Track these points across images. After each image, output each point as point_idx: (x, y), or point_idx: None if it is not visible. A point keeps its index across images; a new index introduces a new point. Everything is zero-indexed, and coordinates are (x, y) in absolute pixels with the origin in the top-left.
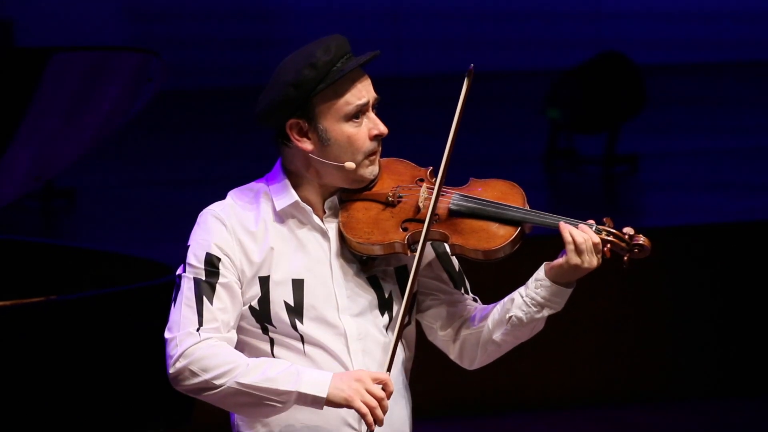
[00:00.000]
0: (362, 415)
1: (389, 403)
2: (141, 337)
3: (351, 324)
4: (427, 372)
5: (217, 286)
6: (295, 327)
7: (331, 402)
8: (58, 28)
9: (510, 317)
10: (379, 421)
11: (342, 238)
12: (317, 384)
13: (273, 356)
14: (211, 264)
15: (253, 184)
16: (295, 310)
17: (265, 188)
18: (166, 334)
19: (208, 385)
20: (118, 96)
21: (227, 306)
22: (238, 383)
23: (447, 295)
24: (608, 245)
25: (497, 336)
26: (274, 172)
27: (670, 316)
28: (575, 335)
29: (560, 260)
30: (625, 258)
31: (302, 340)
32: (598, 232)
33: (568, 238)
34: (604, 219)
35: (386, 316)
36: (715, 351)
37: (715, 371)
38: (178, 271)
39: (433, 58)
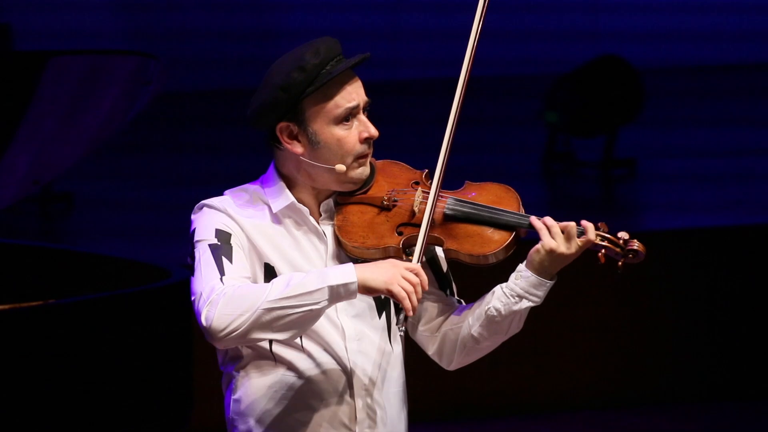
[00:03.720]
0: (400, 300)
1: (384, 404)
2: (139, 340)
3: (349, 324)
4: (425, 375)
5: (234, 250)
6: None
7: (367, 286)
8: (56, 31)
9: (488, 309)
10: (414, 307)
11: (338, 241)
12: (344, 273)
13: (271, 352)
14: (223, 237)
15: (247, 186)
16: None
17: (260, 190)
18: (192, 298)
19: (241, 319)
20: (117, 99)
21: (246, 266)
22: (268, 302)
23: (433, 295)
24: (603, 250)
25: (475, 330)
26: (268, 175)
27: (667, 320)
28: (572, 339)
29: (537, 245)
30: (620, 263)
31: (301, 336)
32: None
33: (539, 224)
34: (599, 224)
35: (383, 317)
36: (712, 355)
37: (712, 375)
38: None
39: (431, 61)
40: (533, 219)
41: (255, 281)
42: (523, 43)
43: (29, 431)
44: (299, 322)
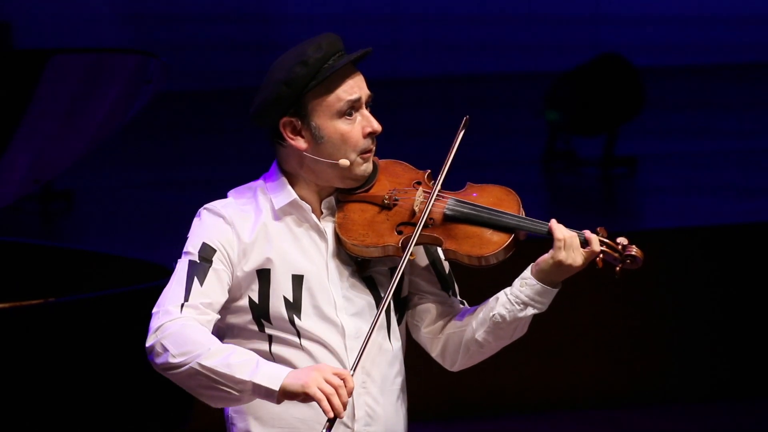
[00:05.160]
0: (318, 401)
1: (383, 402)
2: (139, 338)
3: (349, 322)
4: (425, 374)
5: (210, 271)
6: (292, 322)
7: (287, 391)
8: (57, 29)
9: (493, 315)
10: (336, 410)
11: (337, 239)
12: (273, 377)
13: (270, 354)
14: (206, 253)
15: (251, 184)
16: (294, 306)
17: (263, 187)
18: (153, 309)
19: (173, 363)
20: (117, 97)
21: (216, 291)
22: (200, 365)
23: (435, 296)
24: (601, 255)
25: (479, 335)
26: (271, 172)
27: (669, 319)
28: (575, 338)
29: (545, 255)
30: (618, 268)
31: (299, 335)
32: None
33: (558, 235)
34: (598, 228)
35: (383, 315)
36: (714, 353)
37: (714, 374)
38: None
39: (432, 60)
40: (554, 227)
41: (237, 297)
42: (524, 42)
43: (29, 429)
44: (218, 398)
